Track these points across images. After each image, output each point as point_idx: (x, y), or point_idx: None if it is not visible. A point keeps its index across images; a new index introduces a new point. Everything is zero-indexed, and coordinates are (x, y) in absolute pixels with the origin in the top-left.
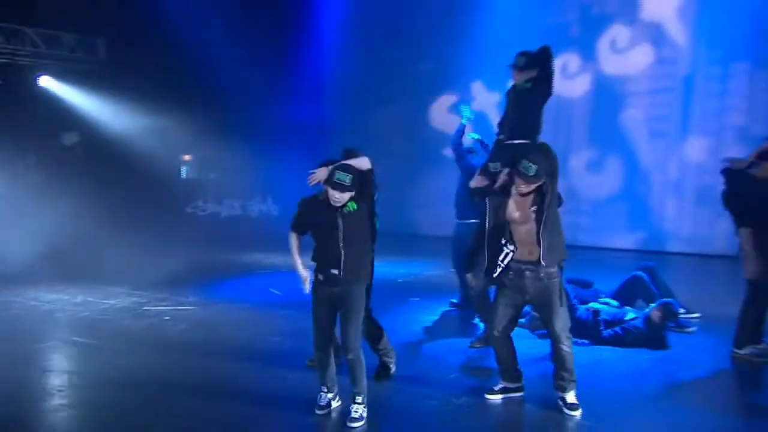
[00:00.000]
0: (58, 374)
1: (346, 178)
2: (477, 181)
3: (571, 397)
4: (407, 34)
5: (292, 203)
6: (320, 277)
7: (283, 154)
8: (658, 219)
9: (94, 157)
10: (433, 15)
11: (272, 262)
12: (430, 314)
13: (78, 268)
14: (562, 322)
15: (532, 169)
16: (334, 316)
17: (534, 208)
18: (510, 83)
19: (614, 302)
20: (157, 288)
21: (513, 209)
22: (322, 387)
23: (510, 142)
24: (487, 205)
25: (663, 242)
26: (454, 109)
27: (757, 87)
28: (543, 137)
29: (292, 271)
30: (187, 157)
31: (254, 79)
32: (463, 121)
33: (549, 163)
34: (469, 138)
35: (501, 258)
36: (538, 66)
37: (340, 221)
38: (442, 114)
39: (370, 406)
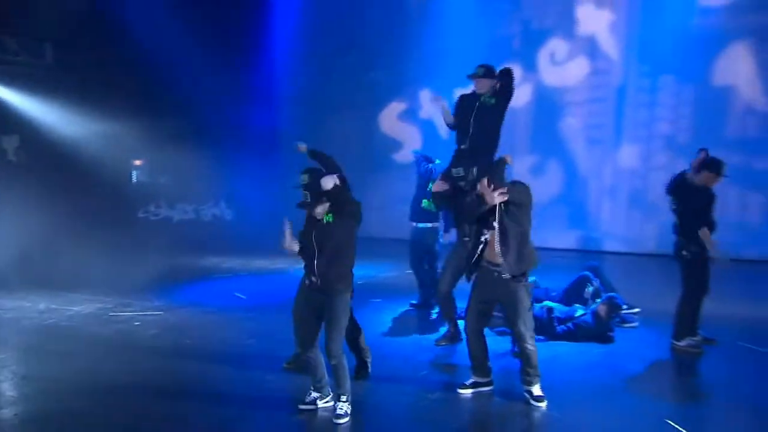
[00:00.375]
0: (34, 381)
1: (306, 196)
2: (438, 186)
3: (537, 390)
4: (359, 44)
5: (245, 208)
6: (306, 281)
7: (237, 159)
8: (594, 220)
9: (40, 162)
10: (383, 26)
11: (231, 266)
12: (393, 314)
13: (35, 275)
14: (526, 322)
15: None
16: (318, 320)
17: (497, 220)
18: (461, 91)
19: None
20: (119, 293)
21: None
22: (311, 386)
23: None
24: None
25: (599, 242)
26: (404, 116)
27: (682, 99)
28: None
29: (254, 275)
30: (138, 162)
31: (207, 84)
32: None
33: (521, 193)
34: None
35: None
36: (495, 78)
37: (314, 232)
38: (392, 120)
39: (351, 404)
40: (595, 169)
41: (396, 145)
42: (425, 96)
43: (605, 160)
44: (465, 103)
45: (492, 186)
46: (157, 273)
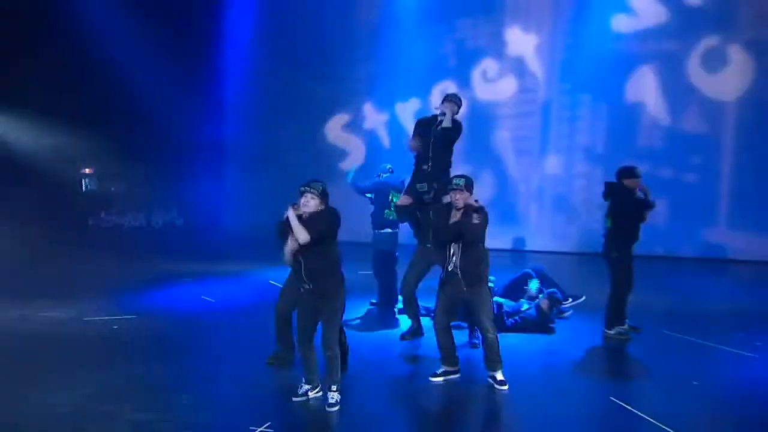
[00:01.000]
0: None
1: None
2: (403, 200)
3: (500, 375)
4: (307, 59)
5: (196, 214)
6: (301, 289)
7: (186, 168)
8: (524, 222)
9: None
10: (330, 43)
11: (190, 271)
12: (356, 313)
13: None
14: (489, 316)
15: (461, 181)
16: (315, 320)
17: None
18: (401, 105)
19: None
20: (85, 299)
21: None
22: (303, 378)
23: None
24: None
25: (529, 242)
26: (348, 127)
27: (598, 114)
28: None
29: (215, 279)
30: (88, 170)
31: (158, 96)
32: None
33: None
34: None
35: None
36: (456, 103)
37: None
38: (337, 131)
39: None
40: (524, 176)
41: (341, 153)
42: (368, 109)
43: (533, 168)
44: (423, 130)
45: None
46: (116, 278)
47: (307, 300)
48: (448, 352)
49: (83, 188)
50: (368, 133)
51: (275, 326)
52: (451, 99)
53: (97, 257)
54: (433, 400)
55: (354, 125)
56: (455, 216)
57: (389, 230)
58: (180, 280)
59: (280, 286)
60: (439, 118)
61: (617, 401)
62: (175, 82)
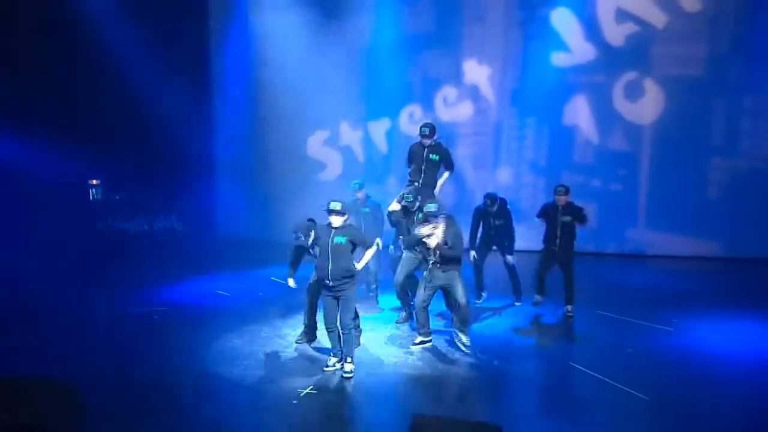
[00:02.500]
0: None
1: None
2: (393, 206)
3: (465, 338)
4: (290, 83)
5: (193, 220)
6: (324, 283)
7: (182, 178)
8: None
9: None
10: (310, 67)
11: (200, 269)
12: None
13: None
14: (462, 293)
15: (434, 207)
16: (337, 308)
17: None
18: (373, 124)
19: None
20: (122, 295)
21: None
22: (331, 352)
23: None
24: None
25: None
26: (327, 142)
27: (541, 134)
28: (402, 169)
29: (222, 276)
30: (95, 182)
31: (157, 116)
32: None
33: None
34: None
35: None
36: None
37: (329, 248)
38: (317, 146)
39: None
40: (480, 185)
41: (321, 166)
42: (344, 127)
43: (487, 179)
44: (417, 152)
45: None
46: (135, 277)
47: (329, 293)
48: (425, 327)
49: (91, 197)
50: (344, 148)
51: (306, 313)
52: (423, 134)
53: (111, 259)
54: (431, 365)
55: (332, 141)
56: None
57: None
58: (190, 278)
59: (284, 282)
60: (429, 155)
61: (576, 365)
62: (173, 103)
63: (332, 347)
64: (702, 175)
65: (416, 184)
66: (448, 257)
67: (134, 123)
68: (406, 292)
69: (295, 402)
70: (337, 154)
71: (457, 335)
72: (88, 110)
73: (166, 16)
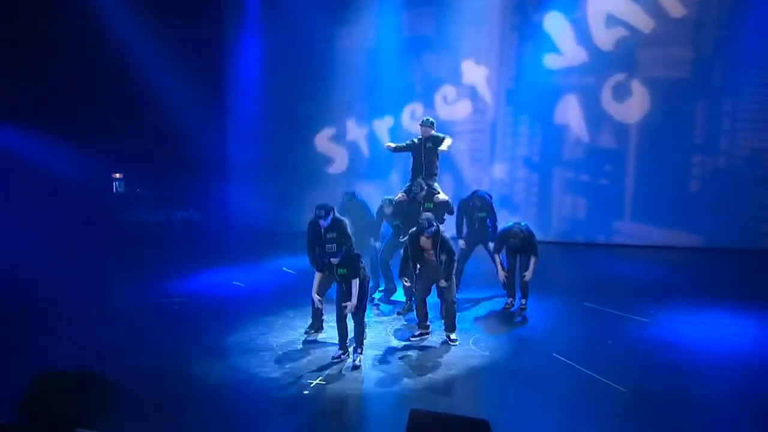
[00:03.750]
0: None
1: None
2: (399, 197)
3: (453, 335)
4: (299, 83)
5: (209, 212)
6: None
7: (197, 172)
8: None
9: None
10: (318, 69)
11: (216, 260)
12: None
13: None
14: (451, 295)
15: (432, 230)
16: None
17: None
18: (378, 121)
19: None
20: (143, 285)
21: (425, 245)
22: (339, 345)
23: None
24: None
25: None
26: (333, 138)
27: (534, 131)
28: (403, 164)
29: (236, 267)
30: (118, 175)
31: (176, 115)
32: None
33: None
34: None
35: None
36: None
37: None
38: (324, 142)
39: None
40: (476, 179)
41: (328, 160)
42: (351, 124)
43: (483, 173)
44: (415, 146)
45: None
46: (156, 268)
47: (340, 290)
48: (423, 319)
49: (114, 190)
50: (351, 144)
51: (312, 308)
52: (425, 124)
53: (134, 249)
54: (429, 356)
55: (338, 137)
56: (425, 243)
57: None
58: (206, 269)
59: (293, 272)
60: (426, 144)
61: (558, 356)
62: (190, 103)
63: (339, 339)
64: (684, 171)
65: (421, 177)
66: (450, 269)
67: (154, 123)
68: (389, 266)
69: (306, 392)
70: (344, 149)
71: (446, 333)
72: (113, 112)
73: (183, 24)
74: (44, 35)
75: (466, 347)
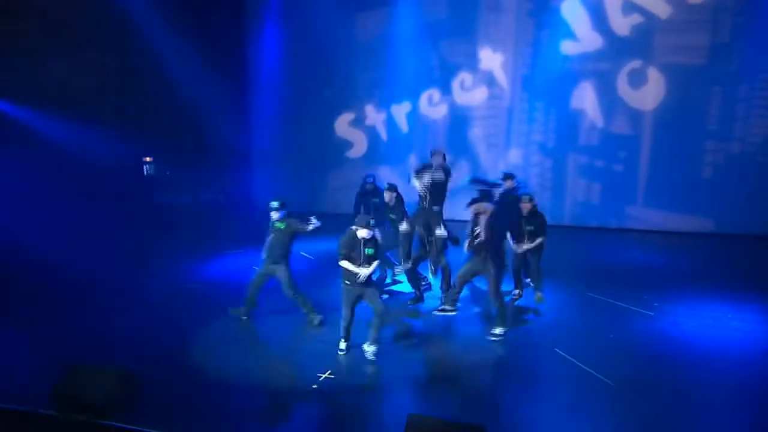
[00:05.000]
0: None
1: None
2: (403, 228)
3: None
4: (320, 70)
5: (234, 194)
6: (355, 279)
7: (222, 158)
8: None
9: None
10: (338, 55)
11: (238, 242)
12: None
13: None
14: (496, 286)
15: None
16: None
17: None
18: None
19: None
20: (170, 269)
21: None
22: (343, 338)
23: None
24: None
25: None
26: (353, 123)
27: (550, 117)
28: (421, 148)
29: (257, 250)
30: (148, 159)
31: (203, 102)
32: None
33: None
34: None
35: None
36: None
37: (364, 248)
38: (344, 126)
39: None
40: (492, 164)
41: (348, 144)
42: (369, 109)
43: (499, 158)
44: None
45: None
46: (182, 249)
47: (356, 287)
48: (455, 298)
49: (144, 173)
50: (369, 128)
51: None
52: (437, 152)
53: (164, 230)
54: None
55: (358, 122)
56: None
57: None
58: (228, 252)
59: (312, 258)
60: (434, 172)
61: (559, 352)
62: (217, 92)
63: (346, 333)
64: (697, 157)
65: (424, 204)
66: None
67: (181, 109)
68: (418, 275)
69: (315, 387)
70: (362, 134)
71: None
72: (144, 101)
73: (207, 16)
74: (83, 31)
75: (471, 340)
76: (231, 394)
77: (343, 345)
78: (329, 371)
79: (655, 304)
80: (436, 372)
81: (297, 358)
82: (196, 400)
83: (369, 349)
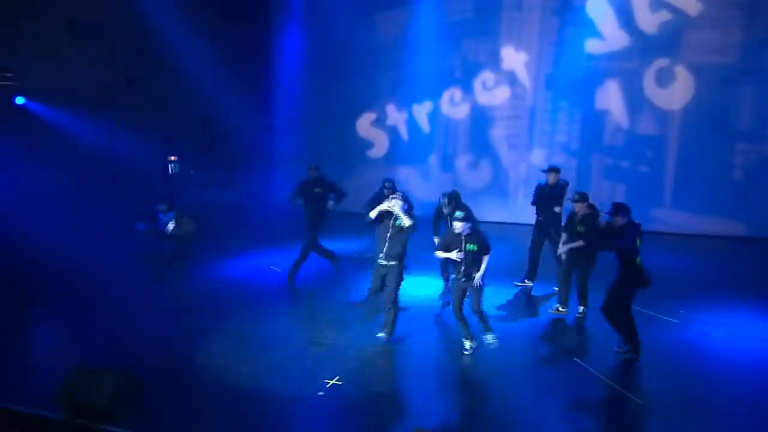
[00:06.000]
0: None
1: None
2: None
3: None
4: (341, 70)
5: (255, 192)
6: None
7: (245, 158)
8: (513, 201)
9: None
10: (360, 56)
11: (257, 243)
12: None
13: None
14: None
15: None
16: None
17: None
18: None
19: None
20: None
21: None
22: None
23: None
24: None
25: (517, 217)
26: (374, 123)
27: (573, 118)
28: (442, 148)
29: (275, 250)
30: (173, 158)
31: (225, 105)
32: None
33: None
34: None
35: None
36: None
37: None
38: (365, 126)
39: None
40: (514, 165)
41: (369, 144)
42: (391, 108)
43: (521, 159)
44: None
45: None
46: (205, 248)
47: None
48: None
49: (170, 171)
50: (391, 128)
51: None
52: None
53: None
54: (444, 348)
55: (379, 122)
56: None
57: None
58: (248, 251)
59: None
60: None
61: (577, 360)
62: (238, 96)
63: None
64: (727, 158)
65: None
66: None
67: (205, 110)
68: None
69: (321, 394)
70: (384, 134)
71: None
72: (168, 101)
73: (230, 21)
74: (111, 34)
75: (487, 347)
76: (237, 400)
77: (467, 345)
78: (337, 377)
79: (681, 311)
80: (450, 381)
81: (304, 364)
82: (200, 406)
83: (489, 338)
